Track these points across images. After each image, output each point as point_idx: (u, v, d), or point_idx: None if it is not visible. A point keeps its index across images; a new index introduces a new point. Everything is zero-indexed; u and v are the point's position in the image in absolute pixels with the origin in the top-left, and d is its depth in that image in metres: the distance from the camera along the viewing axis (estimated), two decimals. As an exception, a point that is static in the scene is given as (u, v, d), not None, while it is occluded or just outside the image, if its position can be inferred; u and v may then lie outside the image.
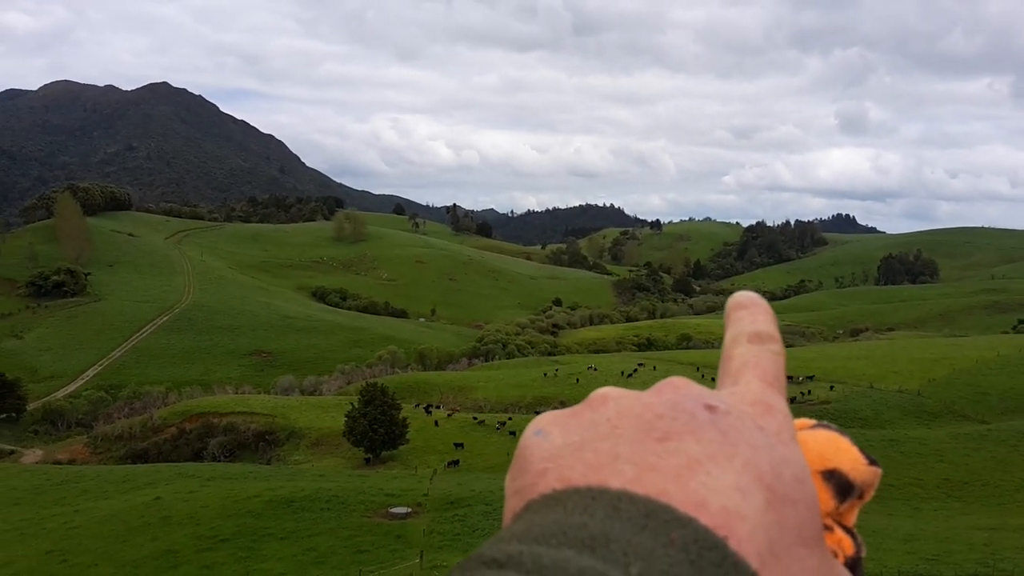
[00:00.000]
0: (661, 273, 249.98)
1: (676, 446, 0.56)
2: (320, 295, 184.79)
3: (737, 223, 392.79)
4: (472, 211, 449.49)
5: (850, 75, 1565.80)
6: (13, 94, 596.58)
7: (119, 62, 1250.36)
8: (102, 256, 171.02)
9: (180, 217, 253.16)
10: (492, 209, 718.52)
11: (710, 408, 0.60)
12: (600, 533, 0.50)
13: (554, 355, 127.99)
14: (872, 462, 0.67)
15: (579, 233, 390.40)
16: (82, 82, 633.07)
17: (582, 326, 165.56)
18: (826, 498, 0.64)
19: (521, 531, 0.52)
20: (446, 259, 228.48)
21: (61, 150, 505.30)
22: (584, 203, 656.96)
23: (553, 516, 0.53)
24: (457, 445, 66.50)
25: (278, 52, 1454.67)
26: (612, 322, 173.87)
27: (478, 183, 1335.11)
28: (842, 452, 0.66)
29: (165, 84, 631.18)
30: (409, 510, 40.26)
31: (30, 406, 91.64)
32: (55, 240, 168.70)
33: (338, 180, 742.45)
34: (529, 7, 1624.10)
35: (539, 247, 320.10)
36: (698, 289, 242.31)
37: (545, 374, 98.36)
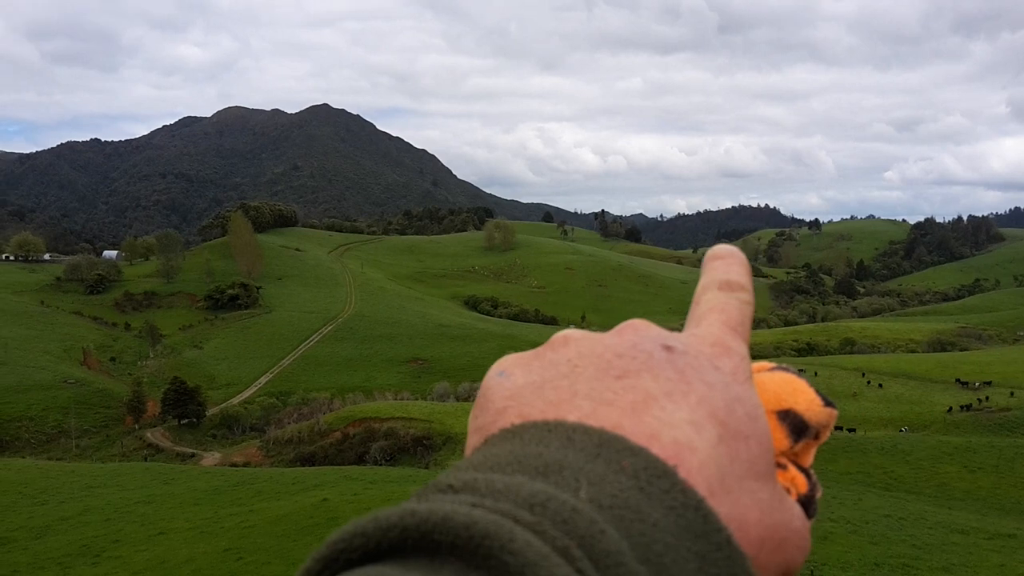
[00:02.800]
0: (821, 275, 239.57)
1: (633, 383, 0.58)
2: (472, 303, 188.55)
3: (903, 220, 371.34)
4: (621, 216, 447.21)
5: (1021, 59, 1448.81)
6: (189, 121, 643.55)
7: (283, 87, 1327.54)
8: (272, 270, 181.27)
9: (341, 232, 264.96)
10: (641, 214, 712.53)
11: (668, 348, 0.61)
12: (554, 461, 0.52)
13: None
14: (828, 404, 0.68)
15: (732, 236, 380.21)
16: (250, 107, 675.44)
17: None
18: (781, 437, 0.65)
19: (478, 461, 0.54)
20: (595, 265, 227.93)
21: (233, 172, 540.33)
22: (736, 204, 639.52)
23: (509, 447, 0.55)
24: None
25: (427, 69, 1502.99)
26: (769, 326, 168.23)
27: (626, 188, 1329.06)
28: (798, 393, 0.68)
29: (325, 106, 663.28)
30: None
31: (209, 412, 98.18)
32: (229, 256, 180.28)
33: (488, 191, 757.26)
34: (672, 9, 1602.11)
35: (690, 251, 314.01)
36: (862, 291, 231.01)
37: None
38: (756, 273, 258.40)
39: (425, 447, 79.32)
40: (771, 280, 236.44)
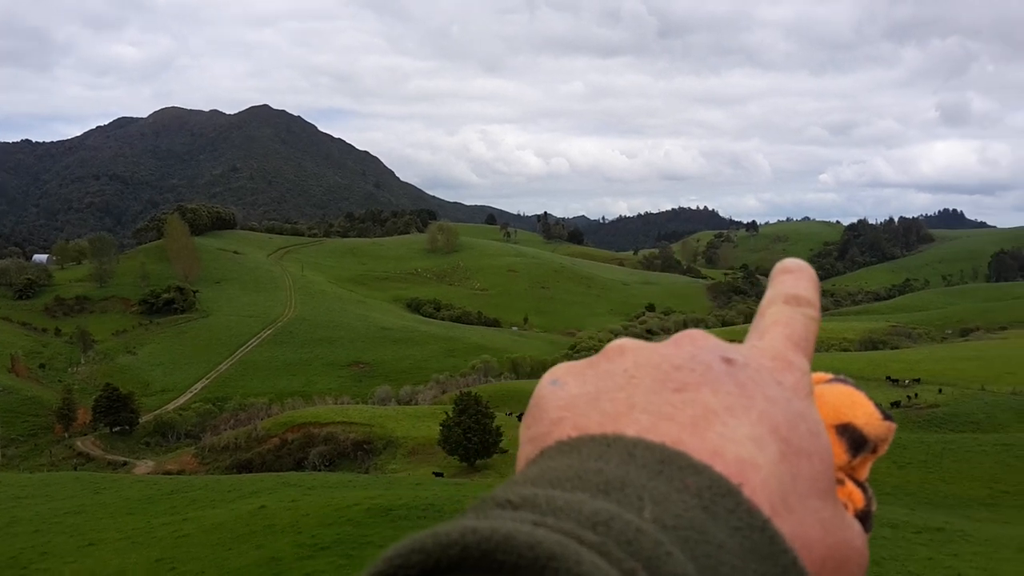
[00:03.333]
0: (758, 275, 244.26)
1: (692, 397, 0.57)
2: (415, 306, 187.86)
3: (837, 222, 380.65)
4: (563, 219, 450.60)
5: (950, 66, 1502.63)
6: (124, 122, 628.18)
7: (222, 87, 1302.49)
8: (209, 274, 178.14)
9: (282, 234, 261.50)
10: (583, 216, 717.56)
11: (728, 361, 0.60)
12: (615, 478, 0.50)
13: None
14: (887, 417, 0.67)
15: (672, 237, 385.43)
16: (188, 107, 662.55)
17: (676, 331, 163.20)
18: (839, 452, 0.63)
19: (535, 475, 0.52)
20: (538, 267, 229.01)
21: (170, 173, 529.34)
22: (676, 207, 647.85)
23: (568, 461, 0.53)
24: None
25: (369, 70, 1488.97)
26: (707, 326, 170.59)
27: (568, 190, 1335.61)
28: (857, 407, 0.66)
29: (266, 107, 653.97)
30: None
31: (142, 419, 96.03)
32: (165, 260, 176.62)
33: (431, 193, 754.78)
34: (612, 13, 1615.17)
35: (631, 252, 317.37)
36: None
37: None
38: (695, 274, 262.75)
39: (365, 451, 78.74)
40: (709, 281, 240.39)
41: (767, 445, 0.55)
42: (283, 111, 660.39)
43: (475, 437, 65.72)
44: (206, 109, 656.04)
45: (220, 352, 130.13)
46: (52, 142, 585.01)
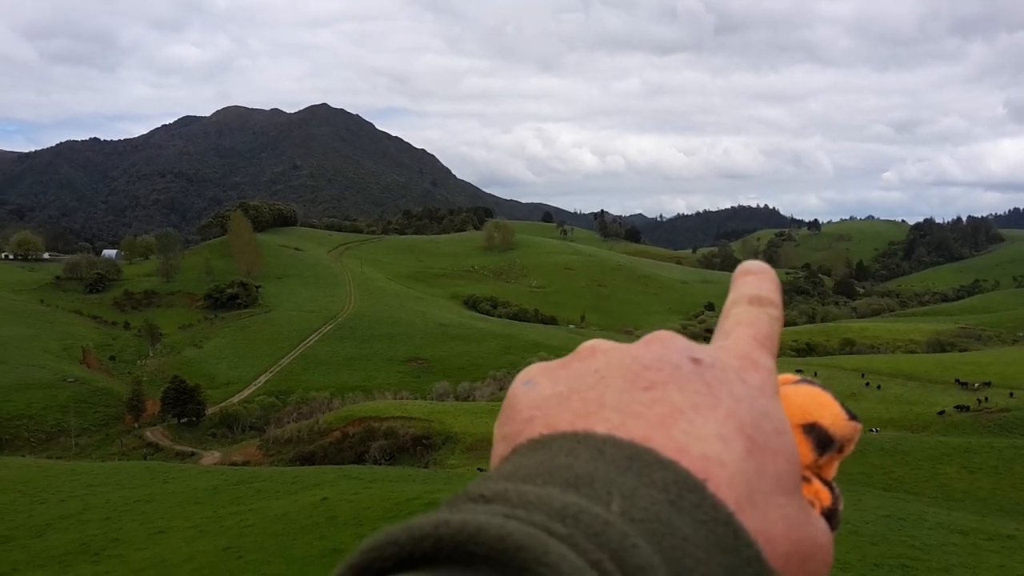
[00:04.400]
0: (821, 275, 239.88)
1: (661, 395, 0.58)
2: (472, 303, 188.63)
3: (903, 221, 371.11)
4: (620, 217, 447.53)
5: (1019, 62, 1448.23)
6: (188, 120, 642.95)
7: (281, 87, 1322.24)
8: (271, 270, 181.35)
9: (341, 231, 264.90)
10: (640, 214, 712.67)
11: (695, 360, 0.61)
12: (585, 473, 0.52)
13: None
14: (853, 417, 0.68)
15: (731, 236, 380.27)
16: (249, 107, 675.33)
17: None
18: (806, 451, 0.65)
19: (508, 471, 0.54)
20: (595, 265, 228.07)
21: (233, 171, 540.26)
22: (736, 205, 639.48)
23: (539, 458, 0.54)
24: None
25: (425, 70, 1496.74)
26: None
27: (625, 188, 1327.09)
28: (824, 407, 0.67)
29: (325, 106, 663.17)
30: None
31: (209, 411, 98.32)
32: (229, 255, 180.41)
33: (487, 191, 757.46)
34: (668, 10, 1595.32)
35: (689, 251, 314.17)
36: (862, 291, 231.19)
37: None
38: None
39: (424, 446, 79.39)
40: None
41: (733, 442, 0.56)
42: (342, 110, 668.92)
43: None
44: (267, 108, 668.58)
45: (282, 346, 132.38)
46: (119, 140, 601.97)
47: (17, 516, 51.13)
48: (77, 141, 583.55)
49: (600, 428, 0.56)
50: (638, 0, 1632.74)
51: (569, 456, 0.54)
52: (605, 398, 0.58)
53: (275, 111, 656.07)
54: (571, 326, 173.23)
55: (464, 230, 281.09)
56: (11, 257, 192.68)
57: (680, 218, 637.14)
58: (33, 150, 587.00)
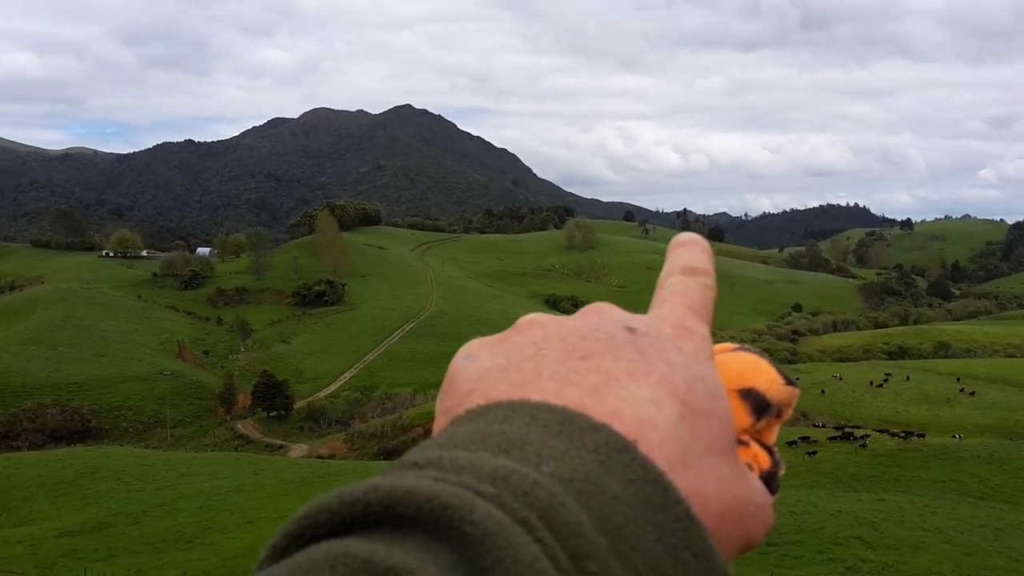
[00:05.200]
0: (914, 276, 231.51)
1: (596, 364, 0.60)
2: (552, 302, 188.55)
3: (1001, 220, 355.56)
4: (703, 215, 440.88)
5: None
6: (277, 122, 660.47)
7: (366, 88, 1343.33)
8: (356, 268, 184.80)
9: (423, 230, 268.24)
10: (724, 213, 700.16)
11: (630, 330, 0.64)
12: (516, 438, 0.54)
13: (794, 363, 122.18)
14: (789, 382, 0.70)
15: (819, 235, 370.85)
16: (335, 108, 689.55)
17: (824, 333, 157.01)
18: (743, 415, 0.67)
19: (443, 440, 0.56)
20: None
21: (319, 171, 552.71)
22: (824, 203, 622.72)
23: (473, 426, 0.56)
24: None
25: (505, 69, 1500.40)
26: (858, 328, 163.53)
27: (708, 187, 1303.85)
28: (760, 372, 0.70)
29: (408, 106, 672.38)
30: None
31: (296, 404, 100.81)
32: (316, 254, 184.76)
33: (568, 190, 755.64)
34: (752, 6, 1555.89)
35: (776, 250, 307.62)
36: (957, 293, 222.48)
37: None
38: (845, 274, 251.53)
39: (505, 444, 79.95)
40: (860, 281, 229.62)
41: (665, 406, 0.58)
42: (424, 110, 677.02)
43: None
44: (352, 109, 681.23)
45: (367, 343, 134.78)
46: (212, 142, 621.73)
47: (115, 503, 53.45)
48: (172, 143, 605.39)
49: (536, 397, 0.58)
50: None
51: (503, 423, 0.55)
52: (542, 368, 0.60)
53: (360, 112, 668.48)
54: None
55: (545, 229, 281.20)
56: (111, 255, 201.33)
57: (766, 217, 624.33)
58: (131, 152, 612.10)
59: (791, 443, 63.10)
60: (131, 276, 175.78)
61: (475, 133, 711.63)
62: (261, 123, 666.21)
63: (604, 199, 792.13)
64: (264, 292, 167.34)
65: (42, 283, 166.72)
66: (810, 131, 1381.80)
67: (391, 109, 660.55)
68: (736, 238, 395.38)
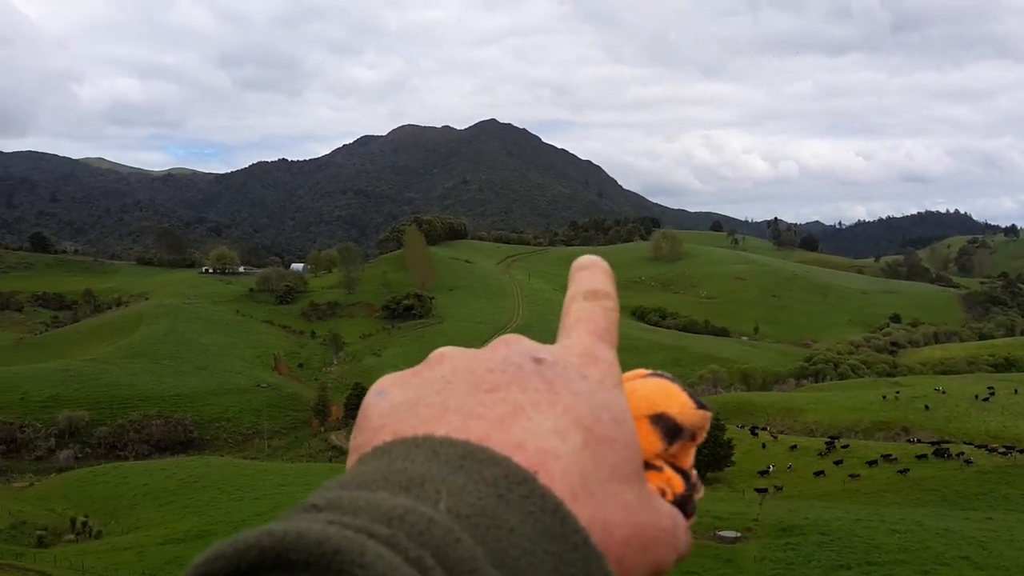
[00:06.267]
0: (1020, 284, 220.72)
1: (503, 396, 0.61)
2: (640, 314, 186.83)
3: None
4: (795, 224, 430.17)
5: None
6: (366, 140, 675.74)
7: (451, 104, 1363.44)
8: (443, 281, 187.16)
9: (509, 243, 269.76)
10: (817, 221, 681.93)
11: (538, 360, 0.64)
12: (417, 475, 0.54)
13: (894, 376, 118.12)
14: (701, 406, 0.70)
15: (918, 243, 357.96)
16: (422, 124, 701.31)
17: (925, 344, 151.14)
18: (655, 440, 0.68)
19: (345, 480, 0.56)
20: (768, 275, 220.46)
21: (407, 187, 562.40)
22: (922, 210, 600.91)
23: (376, 464, 0.57)
24: (786, 468, 63.76)
25: (586, 81, 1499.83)
26: (961, 340, 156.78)
27: (799, 195, 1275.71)
28: (671, 397, 0.70)
29: (493, 121, 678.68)
30: (738, 534, 39.25)
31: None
32: (404, 268, 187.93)
33: (654, 200, 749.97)
34: (841, 9, 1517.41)
35: (872, 260, 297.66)
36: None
37: (884, 397, 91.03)
38: (946, 283, 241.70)
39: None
40: (963, 291, 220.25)
41: (570, 435, 0.59)
42: (508, 124, 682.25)
43: (705, 449, 64.24)
44: (438, 125, 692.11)
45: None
46: (304, 160, 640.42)
47: (217, 512, 55.37)
48: (267, 162, 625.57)
49: (441, 431, 0.59)
50: (808, 0, 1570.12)
51: (405, 460, 0.56)
52: (450, 402, 0.61)
53: (446, 128, 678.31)
54: (744, 338, 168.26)
55: (631, 241, 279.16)
56: (211, 271, 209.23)
57: (861, 225, 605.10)
58: (228, 171, 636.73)
59: (888, 456, 61.08)
60: (229, 291, 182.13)
61: (559, 146, 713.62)
62: (351, 141, 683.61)
63: (691, 209, 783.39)
64: (355, 306, 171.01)
65: (146, 299, 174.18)
66: (905, 135, 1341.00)
67: (476, 124, 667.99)
68: (830, 247, 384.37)
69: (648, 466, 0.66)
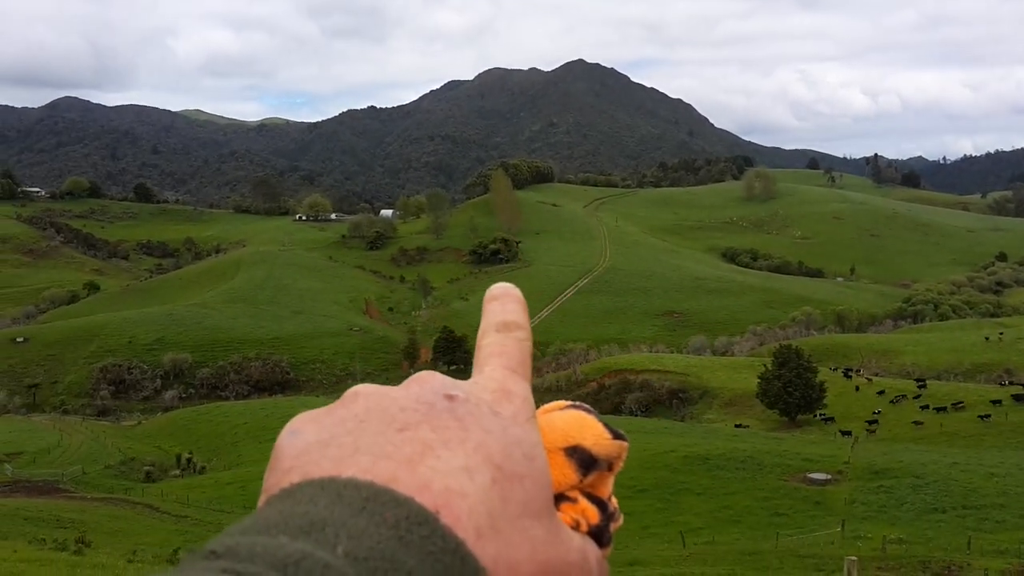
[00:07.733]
0: None
1: (413, 435, 0.60)
2: (730, 256, 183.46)
3: None
4: (896, 161, 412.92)
5: None
6: (453, 85, 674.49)
7: (537, 45, 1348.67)
8: (530, 225, 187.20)
9: (596, 186, 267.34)
10: (920, 157, 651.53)
11: (450, 397, 0.63)
12: (319, 519, 0.53)
13: (998, 316, 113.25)
14: (617, 436, 0.71)
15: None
16: (508, 67, 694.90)
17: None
18: (569, 472, 0.68)
19: (248, 524, 0.55)
20: (866, 214, 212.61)
21: (494, 132, 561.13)
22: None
23: (280, 507, 0.56)
24: (876, 413, 62.15)
25: (678, 17, 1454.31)
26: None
27: (901, 130, 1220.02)
28: (586, 429, 0.70)
29: (580, 61, 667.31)
30: (829, 477, 38.60)
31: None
32: (491, 213, 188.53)
33: (747, 139, 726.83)
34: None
35: (978, 196, 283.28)
36: None
37: (987, 338, 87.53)
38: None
39: (681, 400, 79.06)
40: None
41: (479, 473, 0.58)
42: (596, 64, 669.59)
43: (796, 392, 63.33)
44: (525, 68, 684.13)
45: (541, 300, 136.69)
46: (392, 107, 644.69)
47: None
48: (356, 110, 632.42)
49: (349, 472, 0.57)
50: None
51: (309, 503, 0.55)
52: (360, 442, 0.60)
53: (533, 70, 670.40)
54: (840, 279, 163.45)
55: (722, 181, 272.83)
56: (304, 218, 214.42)
57: (967, 160, 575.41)
58: (319, 120, 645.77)
59: (996, 401, 58.73)
60: (322, 238, 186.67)
61: (648, 85, 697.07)
62: (438, 86, 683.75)
63: (786, 147, 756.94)
64: (443, 251, 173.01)
65: (244, 246, 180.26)
66: (1018, 64, 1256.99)
67: (563, 65, 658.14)
68: (933, 184, 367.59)
69: (563, 498, 0.67)
